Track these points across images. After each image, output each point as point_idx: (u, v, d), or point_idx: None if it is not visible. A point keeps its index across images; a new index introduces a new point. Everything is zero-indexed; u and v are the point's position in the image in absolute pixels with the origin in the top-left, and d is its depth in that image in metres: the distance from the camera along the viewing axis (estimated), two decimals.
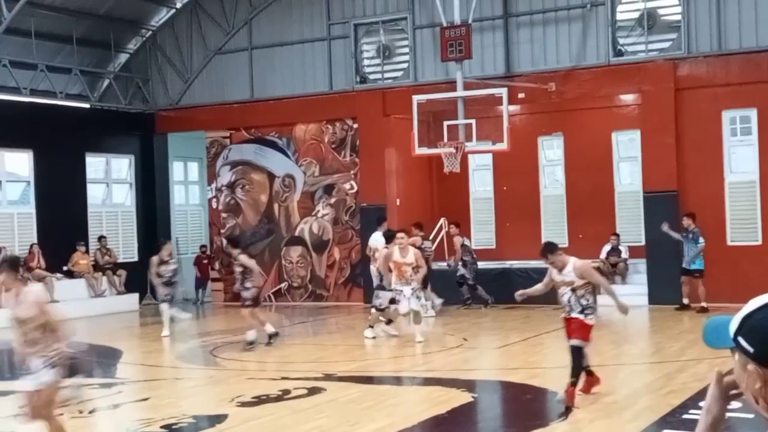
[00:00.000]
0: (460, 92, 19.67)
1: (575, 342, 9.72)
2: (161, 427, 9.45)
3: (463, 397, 10.71)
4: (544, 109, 22.48)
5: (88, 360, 13.61)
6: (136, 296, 23.63)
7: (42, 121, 22.59)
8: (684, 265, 18.78)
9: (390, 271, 15.15)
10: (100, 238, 23.91)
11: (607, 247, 21.17)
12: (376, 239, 17.93)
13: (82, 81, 24.03)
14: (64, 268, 22.53)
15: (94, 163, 24.92)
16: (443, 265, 21.33)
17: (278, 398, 10.83)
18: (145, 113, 25.55)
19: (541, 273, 20.14)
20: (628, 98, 21.75)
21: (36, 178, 22.76)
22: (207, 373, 13.60)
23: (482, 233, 23.61)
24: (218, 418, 9.82)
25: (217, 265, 24.95)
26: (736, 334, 2.09)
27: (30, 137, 22.33)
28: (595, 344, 15.11)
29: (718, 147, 19.67)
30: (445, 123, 19.60)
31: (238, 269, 16.02)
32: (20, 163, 22.96)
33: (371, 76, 23.19)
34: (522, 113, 22.84)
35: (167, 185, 26.06)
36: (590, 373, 10.05)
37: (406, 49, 22.65)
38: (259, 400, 10.69)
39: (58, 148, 22.94)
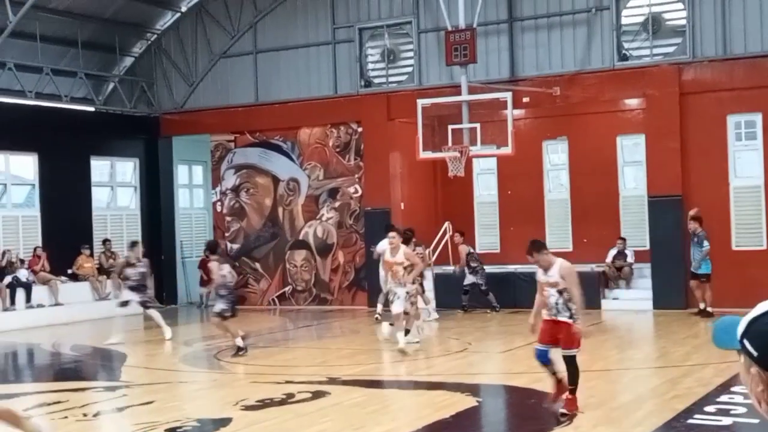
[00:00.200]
0: (464, 96, 19.66)
1: (568, 352, 9.54)
2: (165, 430, 9.45)
3: (467, 402, 10.70)
4: (548, 114, 22.48)
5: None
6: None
7: (47, 124, 22.64)
8: (692, 270, 18.76)
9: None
10: (105, 241, 23.94)
11: (613, 251, 21.16)
12: (384, 246, 17.87)
13: (87, 84, 24.07)
14: (69, 271, 22.56)
15: (99, 167, 24.94)
16: (448, 269, 21.32)
17: (282, 402, 10.82)
18: (150, 116, 25.58)
19: None
20: (632, 103, 21.74)
21: (41, 181, 22.79)
22: (211, 377, 13.60)
23: (486, 237, 23.60)
24: (222, 422, 9.82)
25: None
26: (743, 336, 2.11)
27: (35, 140, 22.38)
28: (600, 349, 15.14)
29: (723, 152, 19.65)
30: (450, 127, 19.59)
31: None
32: (25, 166, 22.99)
33: (376, 80, 23.20)
34: (526, 117, 22.84)
35: (172, 188, 26.08)
36: (560, 381, 9.68)
37: (411, 53, 22.66)
38: (264, 404, 10.68)
39: (63, 151, 22.98)
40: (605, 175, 22.08)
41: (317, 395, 11.15)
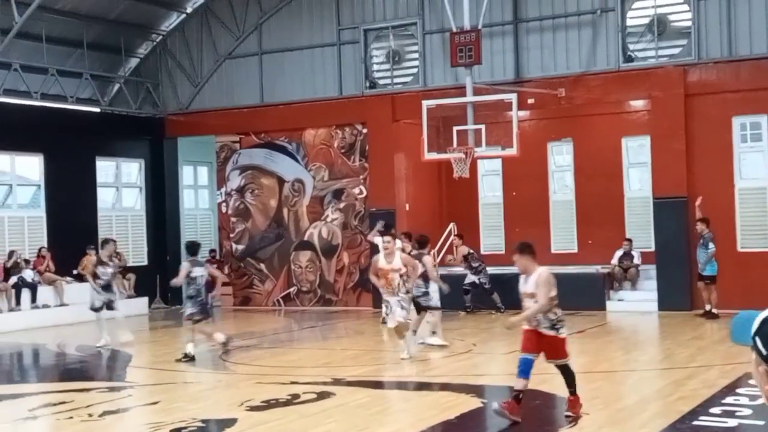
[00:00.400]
0: (469, 98, 19.67)
1: (559, 362, 9.33)
2: (171, 431, 9.46)
3: (472, 403, 10.70)
4: (553, 115, 22.48)
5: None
6: (145, 300, 23.71)
7: (52, 125, 22.69)
8: (699, 271, 18.75)
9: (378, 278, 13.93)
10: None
11: (619, 253, 21.16)
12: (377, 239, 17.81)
13: (93, 85, 24.12)
14: (74, 272, 22.58)
15: (105, 167, 24.99)
16: (454, 271, 21.31)
17: (287, 403, 10.83)
18: (155, 117, 25.62)
19: None
20: (637, 104, 21.74)
21: (46, 182, 22.84)
22: (216, 377, 13.61)
23: (491, 239, 23.60)
24: (227, 422, 9.83)
25: (226, 270, 24.99)
26: (755, 334, 2.13)
27: (40, 141, 22.42)
28: (605, 350, 15.14)
29: (728, 153, 19.64)
30: (455, 128, 19.60)
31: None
32: (31, 166, 23.03)
33: (381, 81, 23.22)
34: (531, 119, 22.84)
35: (177, 189, 26.12)
36: (520, 400, 9.17)
37: (416, 55, 22.68)
38: (269, 405, 10.69)
39: (69, 152, 23.04)
40: (610, 176, 22.08)
41: (322, 396, 11.15)
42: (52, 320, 20.68)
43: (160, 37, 25.58)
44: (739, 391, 10.29)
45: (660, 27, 20.31)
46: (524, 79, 21.31)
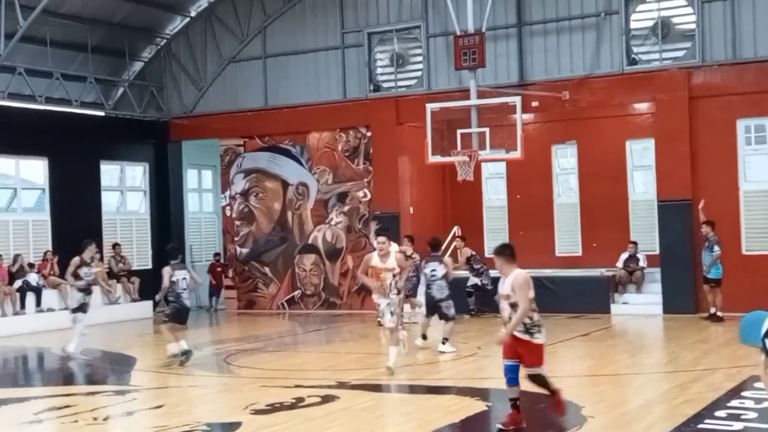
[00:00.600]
0: (473, 101, 19.66)
1: (532, 371, 9.04)
2: None
3: (476, 406, 10.70)
4: (557, 118, 22.47)
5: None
6: (150, 303, 23.67)
7: (57, 128, 22.71)
8: (704, 274, 18.73)
9: (367, 275, 13.64)
10: (115, 246, 24.00)
11: (624, 255, 21.13)
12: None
13: (97, 89, 24.15)
14: None
15: (109, 171, 25.02)
16: (459, 273, 21.27)
17: (292, 406, 10.83)
18: (160, 121, 25.65)
19: (555, 282, 20.22)
20: (642, 107, 21.71)
21: (51, 186, 22.86)
22: (221, 381, 13.62)
23: (495, 242, 23.34)
24: (232, 426, 9.83)
25: (230, 273, 25.02)
26: (765, 336, 2.13)
27: (45, 145, 22.45)
28: (610, 353, 15.12)
29: (732, 156, 19.62)
30: (459, 131, 19.59)
31: None
32: (35, 170, 23.06)
33: (385, 85, 23.22)
34: (535, 122, 22.83)
35: (181, 193, 26.15)
36: (518, 408, 9.13)
37: (420, 58, 22.69)
38: (273, 408, 10.69)
39: (73, 155, 23.06)
40: (614, 179, 22.06)
41: (327, 399, 11.16)
42: (57, 324, 20.66)
43: (165, 40, 25.61)
44: (744, 394, 10.27)
45: (664, 30, 20.30)
46: (528, 82, 21.30)
